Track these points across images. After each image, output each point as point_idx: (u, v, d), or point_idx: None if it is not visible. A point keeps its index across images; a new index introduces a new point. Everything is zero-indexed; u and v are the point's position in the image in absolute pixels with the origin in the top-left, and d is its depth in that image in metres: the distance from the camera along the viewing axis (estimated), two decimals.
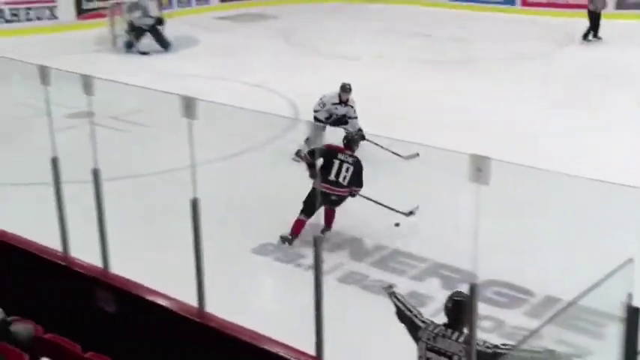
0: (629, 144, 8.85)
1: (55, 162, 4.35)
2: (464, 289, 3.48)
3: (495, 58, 14.11)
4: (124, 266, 4.24)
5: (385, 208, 6.65)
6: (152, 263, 5.57)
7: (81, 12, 17.54)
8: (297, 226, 6.46)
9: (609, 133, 9.35)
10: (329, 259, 5.86)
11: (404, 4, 20.96)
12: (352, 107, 8.49)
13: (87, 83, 4.07)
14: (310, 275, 3.41)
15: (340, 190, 6.48)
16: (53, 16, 16.95)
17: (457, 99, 10.98)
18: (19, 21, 16.39)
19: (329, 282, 3.78)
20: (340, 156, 6.53)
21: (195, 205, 3.75)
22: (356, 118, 8.42)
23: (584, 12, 15.45)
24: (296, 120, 9.51)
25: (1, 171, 6.78)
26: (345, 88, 8.46)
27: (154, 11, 15.73)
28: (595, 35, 15.49)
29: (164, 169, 7.74)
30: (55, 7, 16.94)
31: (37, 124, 4.84)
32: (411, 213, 6.80)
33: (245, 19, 19.23)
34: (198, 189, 3.75)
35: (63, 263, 4.36)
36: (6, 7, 16.19)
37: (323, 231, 6.45)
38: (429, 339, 3.60)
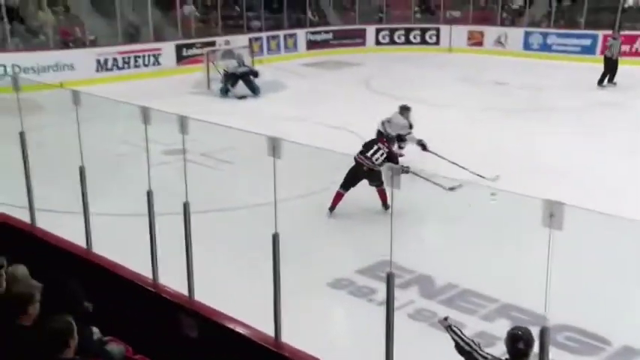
0: None
1: (149, 195, 4.50)
2: (535, 331, 3.34)
3: (571, 106, 13.72)
4: (207, 294, 4.30)
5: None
6: (233, 292, 5.62)
7: (181, 58, 18.32)
8: (336, 199, 7.83)
9: None
10: (400, 296, 5.76)
11: (482, 54, 20.85)
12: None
13: (182, 123, 4.21)
14: (382, 310, 3.36)
15: (371, 164, 7.77)
16: (157, 63, 17.77)
17: (528, 145, 10.71)
18: (129, 67, 17.27)
19: (399, 318, 3.71)
20: (379, 144, 8.05)
21: (275, 239, 3.78)
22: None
23: None
24: None
25: (104, 202, 7.05)
26: (406, 107, 9.88)
27: (248, 60, 16.25)
28: (610, 80, 15.17)
29: (249, 204, 7.86)
30: (160, 54, 17.77)
31: (137, 160, 5.03)
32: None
33: (330, 66, 19.55)
34: (280, 224, 3.77)
35: (152, 289, 4.47)
36: (119, 57, 17.12)
37: (384, 208, 7.72)
38: None
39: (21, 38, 16.28)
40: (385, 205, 7.74)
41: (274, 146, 3.72)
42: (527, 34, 20.87)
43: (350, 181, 7.80)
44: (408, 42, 22.41)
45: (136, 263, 4.62)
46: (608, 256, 6.68)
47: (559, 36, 20.37)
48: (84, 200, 5.02)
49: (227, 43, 18.53)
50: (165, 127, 4.49)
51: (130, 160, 9.02)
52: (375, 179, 7.74)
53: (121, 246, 5.32)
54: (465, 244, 6.97)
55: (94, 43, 17.32)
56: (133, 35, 18.36)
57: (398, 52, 21.58)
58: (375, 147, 7.96)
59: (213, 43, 18.45)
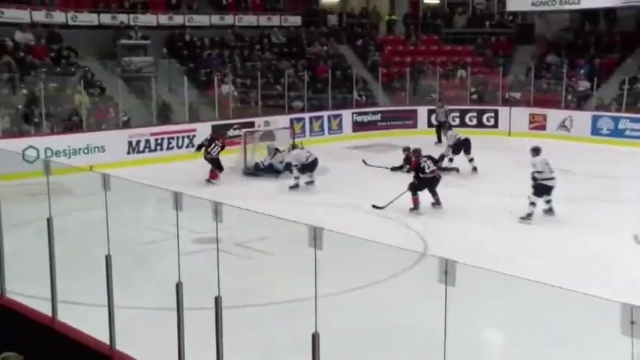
0: None
1: (179, 287, 4.55)
2: None
3: None
4: None
5: None
6: None
7: None
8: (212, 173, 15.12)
9: None
10: None
11: (545, 138, 20.82)
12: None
13: (216, 209, 4.30)
14: None
15: (208, 155, 15.22)
16: (192, 144, 18.23)
17: (594, 240, 10.48)
18: (161, 149, 17.82)
19: None
20: (217, 140, 15.56)
21: (315, 339, 3.76)
22: None
23: None
24: (424, 254, 9.43)
25: (129, 294, 7.13)
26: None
27: (287, 141, 16.69)
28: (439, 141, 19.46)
29: (286, 299, 7.83)
30: (195, 135, 18.26)
31: (166, 248, 5.11)
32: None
33: (378, 150, 19.76)
34: (320, 322, 3.76)
35: None
36: (152, 138, 17.73)
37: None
38: None
39: (55, 121, 17.06)
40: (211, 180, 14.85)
41: (315, 236, 3.76)
42: (595, 119, 20.87)
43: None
44: (463, 124, 22.62)
45: None
46: None
47: (632, 120, 20.26)
48: (109, 292, 5.08)
49: (267, 123, 18.99)
50: (198, 214, 4.59)
51: (158, 248, 9.16)
52: (215, 165, 14.98)
53: (146, 343, 5.34)
54: (529, 347, 6.76)
55: (127, 125, 17.99)
56: (167, 116, 19.04)
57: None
58: (214, 144, 14.97)
59: (251, 124, 18.94)
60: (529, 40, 25.94)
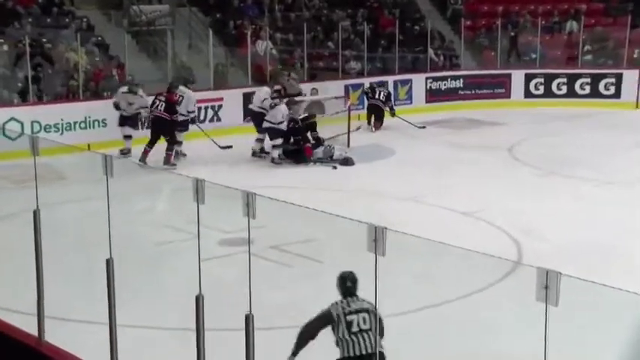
0: None
1: (199, 301, 4.59)
2: None
3: None
4: None
5: None
6: None
7: (249, 112, 18.86)
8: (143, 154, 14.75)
9: None
10: None
11: None
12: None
13: (248, 201, 4.31)
14: None
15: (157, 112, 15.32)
16: (217, 118, 18.35)
17: None
18: None
19: None
20: (159, 97, 15.38)
21: None
22: None
23: None
24: (518, 264, 9.34)
25: (136, 309, 7.22)
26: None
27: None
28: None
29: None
30: (221, 106, 18.34)
31: (184, 252, 5.16)
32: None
33: (458, 126, 19.64)
34: (388, 346, 3.76)
35: None
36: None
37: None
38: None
39: (45, 86, 17.29)
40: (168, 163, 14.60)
41: (376, 237, 3.75)
42: None
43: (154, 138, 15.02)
44: (572, 94, 22.26)
45: None
46: None
47: None
48: (110, 307, 5.16)
49: (314, 91, 18.97)
50: (224, 207, 4.61)
51: (174, 251, 9.27)
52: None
53: None
54: None
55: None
56: (187, 80, 19.18)
57: (558, 108, 21.44)
58: (157, 100, 15.04)
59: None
60: None
